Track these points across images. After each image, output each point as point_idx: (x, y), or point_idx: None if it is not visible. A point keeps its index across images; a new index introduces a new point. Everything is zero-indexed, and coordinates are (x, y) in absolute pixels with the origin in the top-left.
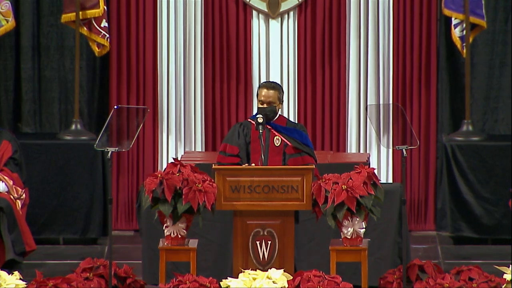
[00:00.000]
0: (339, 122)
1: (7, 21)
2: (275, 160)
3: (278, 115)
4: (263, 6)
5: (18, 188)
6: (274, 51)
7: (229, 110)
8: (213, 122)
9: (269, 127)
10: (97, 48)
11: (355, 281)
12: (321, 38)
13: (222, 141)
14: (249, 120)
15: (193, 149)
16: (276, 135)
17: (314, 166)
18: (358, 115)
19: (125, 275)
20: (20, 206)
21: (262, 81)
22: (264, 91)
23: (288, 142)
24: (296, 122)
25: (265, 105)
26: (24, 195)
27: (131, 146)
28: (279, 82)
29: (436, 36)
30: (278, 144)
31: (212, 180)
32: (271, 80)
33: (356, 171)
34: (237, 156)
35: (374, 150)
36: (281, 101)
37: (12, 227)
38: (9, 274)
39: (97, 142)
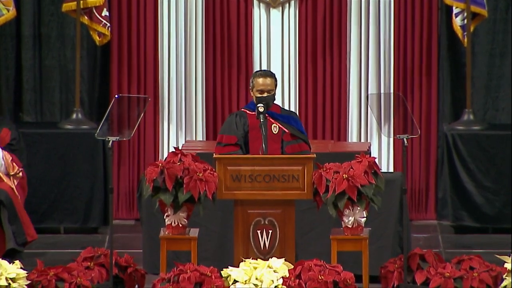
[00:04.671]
0: (340, 111)
1: (8, 10)
2: (274, 148)
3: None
4: None
5: (15, 165)
6: (275, 40)
7: (230, 99)
8: (214, 111)
9: (266, 115)
10: (98, 37)
11: (356, 270)
12: (322, 27)
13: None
14: (243, 110)
15: (194, 138)
16: (274, 123)
17: (315, 155)
18: (359, 104)
19: (126, 264)
20: (15, 183)
21: (255, 71)
22: (262, 80)
23: (285, 129)
24: (291, 110)
25: (265, 94)
26: (21, 174)
27: (132, 135)
28: (279, 71)
29: (437, 25)
30: (276, 132)
31: (213, 169)
32: (271, 70)
33: (357, 160)
34: (235, 144)
35: (375, 139)
36: (275, 88)
37: (13, 220)
38: (10, 263)
39: (98, 131)
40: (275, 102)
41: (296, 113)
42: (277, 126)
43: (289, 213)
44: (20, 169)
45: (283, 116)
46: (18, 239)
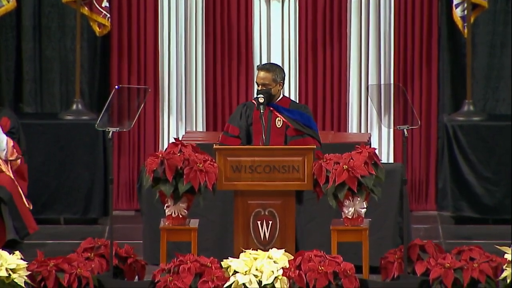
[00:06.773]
0: (340, 102)
1: (8, 1)
2: (277, 141)
3: (281, 96)
4: None
5: (15, 152)
6: (275, 32)
7: (230, 90)
8: (214, 102)
9: (271, 108)
10: (98, 28)
11: (356, 261)
12: (322, 19)
13: (227, 120)
14: (252, 101)
15: (194, 129)
16: (278, 117)
17: (315, 146)
18: (359, 95)
19: (126, 255)
20: (12, 170)
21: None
22: (257, 73)
23: (289, 124)
24: (303, 104)
25: (260, 87)
26: (19, 161)
27: (132, 126)
28: (280, 63)
29: (438, 16)
30: (280, 126)
31: (213, 160)
32: (271, 61)
33: (357, 151)
34: (237, 137)
35: (375, 130)
36: (277, 82)
37: (13, 215)
38: (10, 254)
39: (98, 122)
40: (285, 95)
41: (307, 107)
42: (281, 120)
43: (289, 204)
44: (20, 155)
45: (289, 110)
46: (20, 234)
